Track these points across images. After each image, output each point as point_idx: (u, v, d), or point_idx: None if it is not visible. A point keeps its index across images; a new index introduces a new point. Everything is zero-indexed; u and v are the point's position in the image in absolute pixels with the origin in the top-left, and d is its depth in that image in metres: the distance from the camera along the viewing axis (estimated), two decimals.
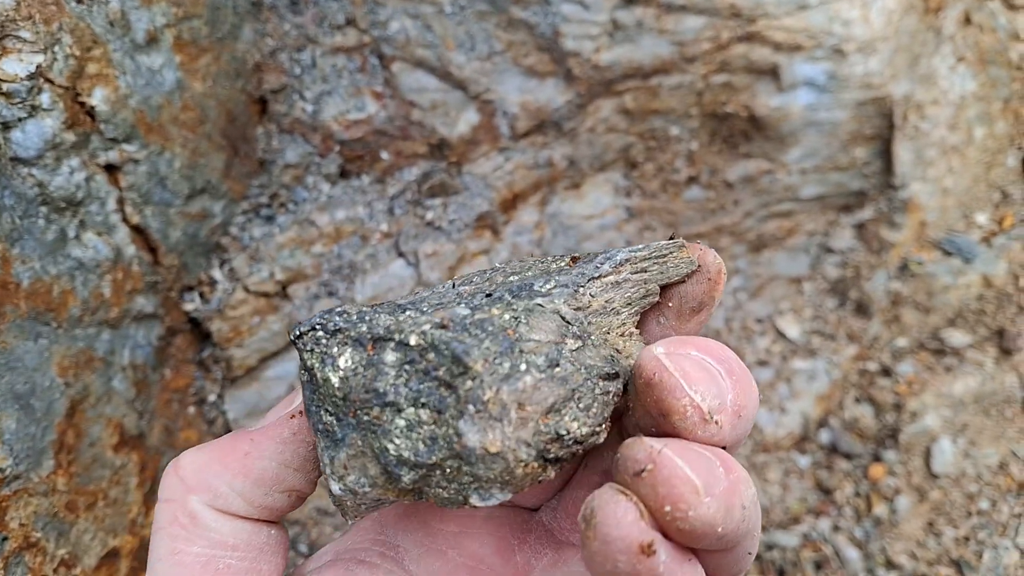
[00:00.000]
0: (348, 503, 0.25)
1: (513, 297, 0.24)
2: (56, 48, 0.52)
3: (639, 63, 0.82)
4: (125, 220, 0.63)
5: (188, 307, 0.67)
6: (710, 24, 0.84)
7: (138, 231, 0.64)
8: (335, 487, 0.24)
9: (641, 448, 0.22)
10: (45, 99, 0.52)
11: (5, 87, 0.49)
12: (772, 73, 0.89)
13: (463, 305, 0.24)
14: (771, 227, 0.97)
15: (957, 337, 1.01)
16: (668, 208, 0.91)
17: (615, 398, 0.24)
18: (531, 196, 0.82)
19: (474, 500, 0.22)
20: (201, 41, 0.66)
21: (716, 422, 0.24)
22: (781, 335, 0.96)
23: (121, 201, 0.62)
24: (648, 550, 0.21)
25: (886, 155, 0.99)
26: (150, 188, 0.64)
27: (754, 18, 0.85)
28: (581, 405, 0.23)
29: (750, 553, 0.26)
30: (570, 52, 0.78)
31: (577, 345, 0.24)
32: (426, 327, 0.23)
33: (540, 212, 0.84)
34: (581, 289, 0.26)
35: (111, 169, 0.61)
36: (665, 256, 0.28)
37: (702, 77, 0.86)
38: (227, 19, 0.69)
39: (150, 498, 0.66)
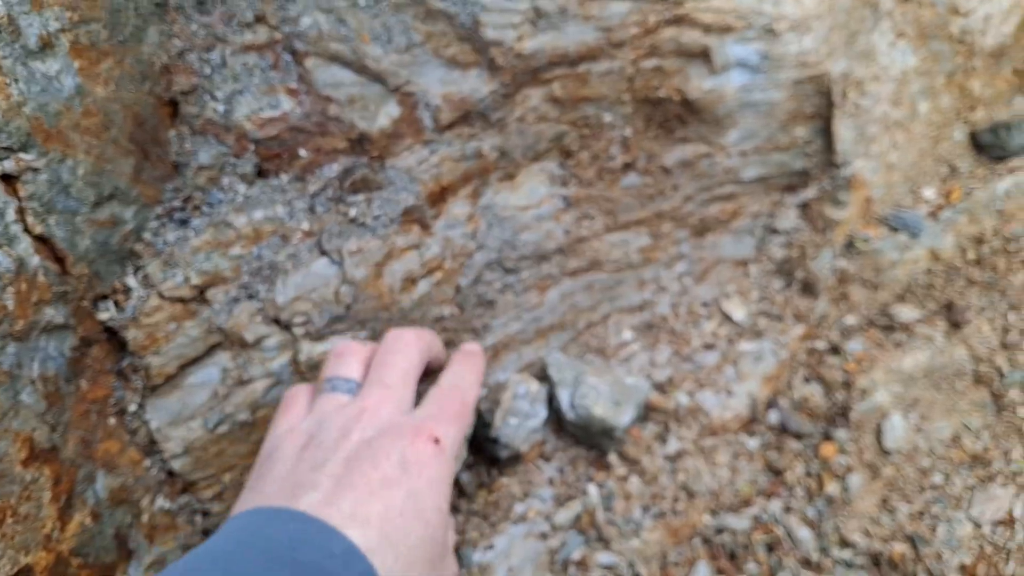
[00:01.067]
0: None
1: None
2: None
3: (565, 50, 0.81)
4: (27, 230, 0.61)
5: (103, 316, 0.65)
6: (636, 8, 0.83)
7: (42, 241, 0.63)
8: None
9: None
10: None
11: None
12: (703, 56, 0.88)
13: None
14: (714, 211, 0.96)
15: (906, 312, 1.00)
16: (605, 196, 0.91)
17: None
18: (461, 188, 0.81)
19: None
20: (101, 45, 0.65)
21: None
22: (727, 318, 0.95)
23: (21, 211, 0.60)
24: None
25: (827, 133, 0.99)
26: (52, 197, 0.62)
27: (681, 1, 0.84)
28: None
29: None
30: (492, 41, 0.77)
31: None
32: None
33: (472, 204, 0.83)
34: None
35: (8, 179, 0.60)
36: None
37: (632, 62, 0.85)
38: (129, 22, 0.67)
39: (65, 512, 0.64)
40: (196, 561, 0.42)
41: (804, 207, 0.98)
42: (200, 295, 0.69)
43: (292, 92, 0.71)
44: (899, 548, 0.91)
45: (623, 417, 0.83)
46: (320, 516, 0.45)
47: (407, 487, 0.49)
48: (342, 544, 0.42)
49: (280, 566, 0.38)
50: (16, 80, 0.57)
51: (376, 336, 0.78)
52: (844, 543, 0.89)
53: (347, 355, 0.64)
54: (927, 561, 0.92)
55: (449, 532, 0.60)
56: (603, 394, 0.83)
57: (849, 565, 0.88)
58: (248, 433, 0.74)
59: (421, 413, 0.59)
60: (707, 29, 0.87)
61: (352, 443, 0.52)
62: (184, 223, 0.69)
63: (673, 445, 0.86)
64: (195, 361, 0.70)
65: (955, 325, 1.01)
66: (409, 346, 0.62)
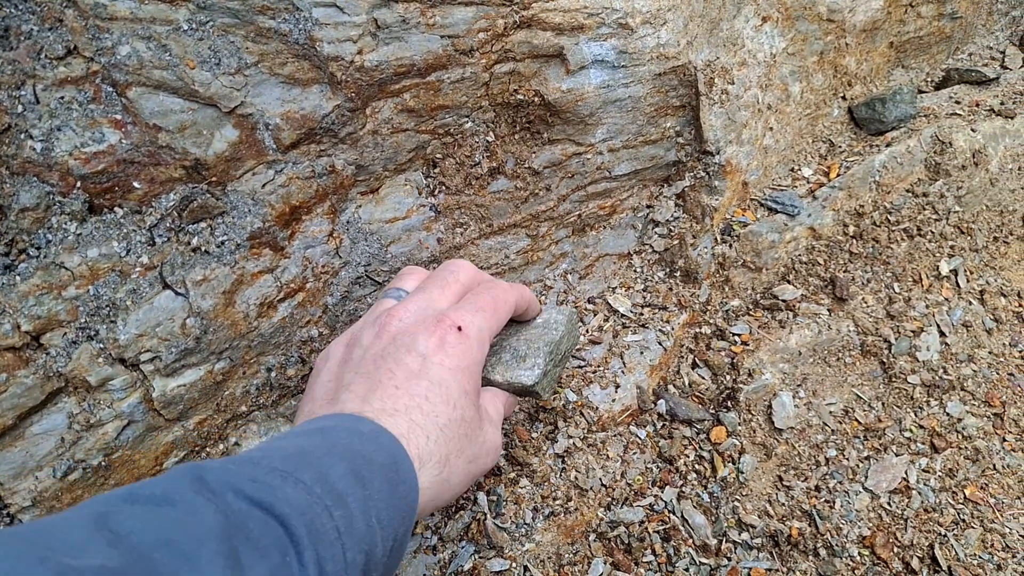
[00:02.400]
0: None
1: None
2: None
3: (411, 61, 0.80)
4: None
5: None
6: (481, 13, 0.83)
7: None
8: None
9: None
10: None
11: None
12: (559, 56, 0.89)
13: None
14: (591, 208, 0.97)
15: (789, 292, 1.02)
16: (476, 202, 0.90)
17: None
18: (316, 207, 0.80)
19: None
20: None
21: None
22: (614, 311, 0.95)
23: None
24: None
25: (696, 122, 1.00)
26: None
27: (527, 3, 0.85)
28: None
29: None
30: (330, 56, 0.76)
31: None
32: None
33: (332, 221, 0.82)
34: None
35: None
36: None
37: (485, 68, 0.85)
38: None
39: None
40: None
41: (681, 196, 0.99)
42: (34, 341, 0.67)
43: (117, 124, 0.69)
44: (798, 525, 0.92)
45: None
46: (356, 413, 0.51)
47: (430, 377, 0.54)
48: (370, 426, 0.48)
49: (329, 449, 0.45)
50: None
51: (236, 364, 0.76)
52: (742, 525, 0.89)
53: (407, 274, 0.72)
54: (827, 536, 0.93)
55: (485, 408, 0.63)
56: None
57: (748, 547, 0.89)
58: (105, 477, 0.72)
59: (448, 308, 0.63)
60: (558, 30, 0.87)
61: (383, 341, 0.58)
62: (9, 268, 0.66)
63: (562, 443, 0.86)
64: (35, 410, 0.67)
65: (840, 300, 1.03)
66: (459, 268, 0.68)
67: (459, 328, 0.58)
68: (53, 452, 0.68)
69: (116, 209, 0.71)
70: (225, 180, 0.74)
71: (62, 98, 0.68)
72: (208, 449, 0.77)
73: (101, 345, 0.69)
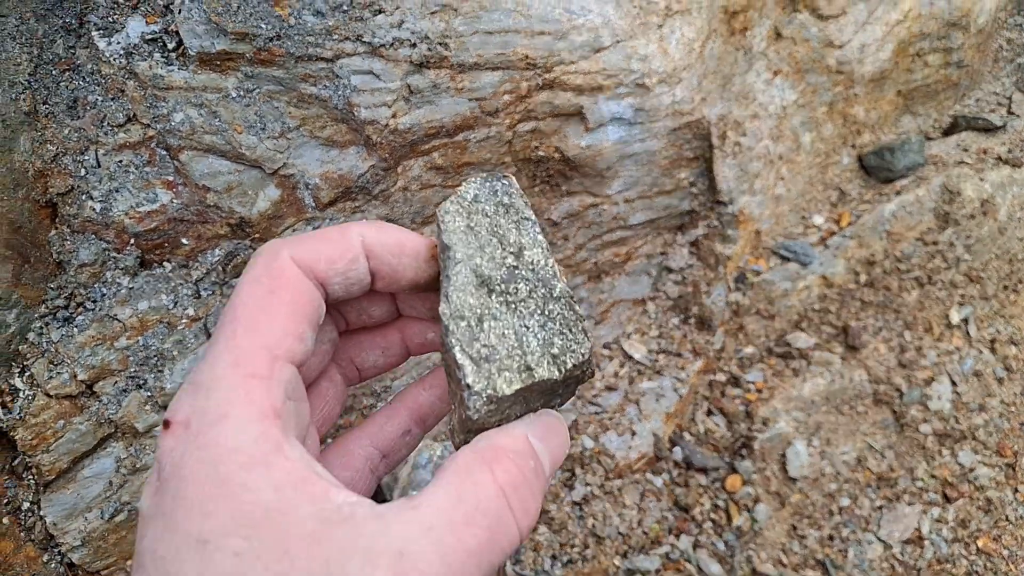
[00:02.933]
0: None
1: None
2: None
3: (440, 123, 0.85)
4: None
5: None
6: (507, 77, 0.88)
7: None
8: None
9: None
10: None
11: None
12: (578, 115, 0.93)
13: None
14: (607, 255, 1.01)
15: (803, 339, 1.05)
16: None
17: None
18: None
19: None
20: None
21: None
22: (629, 357, 0.98)
23: None
24: None
25: (710, 174, 1.04)
26: None
27: (549, 66, 0.90)
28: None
29: None
30: (367, 120, 0.81)
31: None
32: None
33: None
34: None
35: None
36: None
37: (508, 127, 0.90)
38: None
39: None
40: None
41: (695, 245, 1.03)
42: (88, 389, 0.71)
43: (169, 185, 0.74)
44: (811, 574, 0.94)
45: None
46: None
47: None
48: None
49: None
50: None
51: None
52: (756, 574, 0.91)
53: None
54: None
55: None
56: None
57: None
58: None
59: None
60: (579, 90, 0.92)
61: None
62: (68, 320, 0.71)
63: (580, 491, 0.88)
64: (87, 454, 0.72)
65: (852, 348, 1.06)
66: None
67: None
68: (101, 495, 0.72)
69: (165, 264, 0.76)
70: (267, 236, 0.78)
71: (120, 162, 0.73)
72: None
73: (149, 393, 0.73)
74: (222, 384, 0.29)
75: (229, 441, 0.28)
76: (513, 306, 0.36)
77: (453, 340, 0.34)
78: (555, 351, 0.36)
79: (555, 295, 0.36)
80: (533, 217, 0.39)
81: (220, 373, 0.30)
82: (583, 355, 0.36)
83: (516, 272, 0.37)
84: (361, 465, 0.39)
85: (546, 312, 0.37)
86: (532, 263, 0.37)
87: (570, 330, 0.37)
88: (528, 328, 0.36)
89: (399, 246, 0.36)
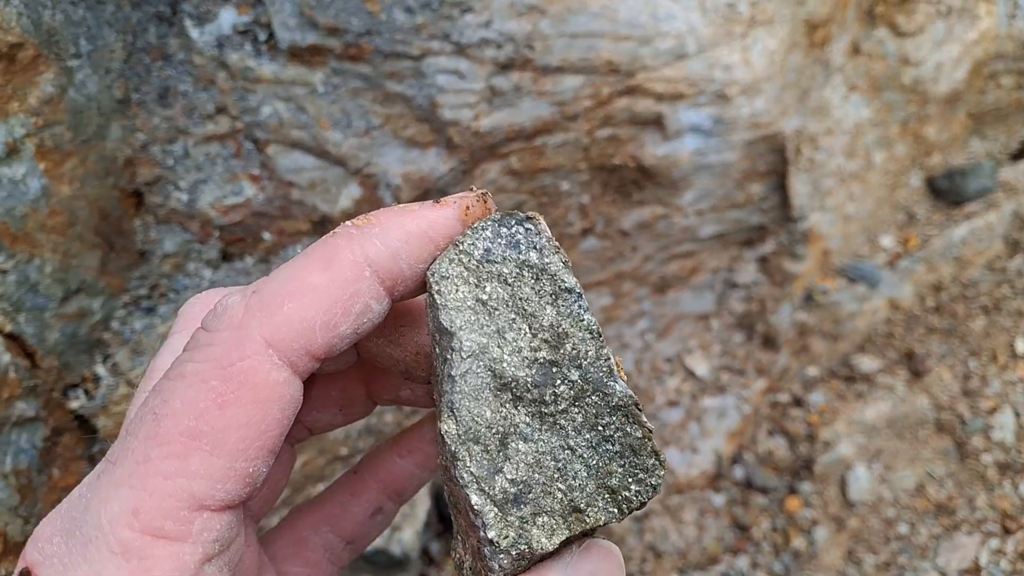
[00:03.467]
0: None
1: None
2: None
3: (521, 126, 0.84)
4: None
5: (73, 405, 0.67)
6: (589, 82, 0.86)
7: (12, 338, 0.65)
8: None
9: None
10: None
11: None
12: (657, 123, 0.91)
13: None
14: (673, 268, 0.99)
15: (867, 363, 1.03)
16: None
17: None
18: None
19: None
20: (65, 146, 0.67)
21: None
22: (691, 373, 0.97)
23: None
24: None
25: (782, 189, 1.02)
26: (21, 296, 0.64)
27: (632, 72, 0.88)
28: None
29: None
30: (449, 121, 0.80)
31: None
32: None
33: None
34: None
35: None
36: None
37: (586, 133, 0.89)
38: (92, 121, 0.70)
39: None
40: None
41: (762, 261, 1.01)
42: None
43: (255, 179, 0.74)
44: None
45: None
46: None
47: None
48: None
49: None
50: None
51: None
52: None
53: None
54: None
55: None
56: None
57: None
58: None
59: None
60: (659, 98, 0.90)
61: None
62: (151, 311, 0.71)
63: None
64: None
65: (916, 374, 1.04)
66: None
67: None
68: None
69: (246, 258, 0.75)
70: None
71: (208, 153, 0.72)
72: (308, 488, 0.80)
73: None
74: (103, 544, 0.19)
75: None
76: (551, 420, 0.26)
77: (465, 475, 0.25)
78: (614, 483, 0.26)
79: (613, 403, 0.26)
80: (577, 286, 0.26)
81: (107, 521, 0.20)
82: (653, 487, 0.26)
83: (554, 371, 0.26)
84: (319, 558, 0.30)
85: (599, 427, 0.26)
86: (577, 355, 0.26)
87: (635, 452, 0.26)
88: (574, 451, 0.26)
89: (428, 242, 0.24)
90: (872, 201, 1.14)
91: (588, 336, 0.26)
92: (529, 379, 0.25)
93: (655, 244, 0.98)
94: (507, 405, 0.25)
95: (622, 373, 0.26)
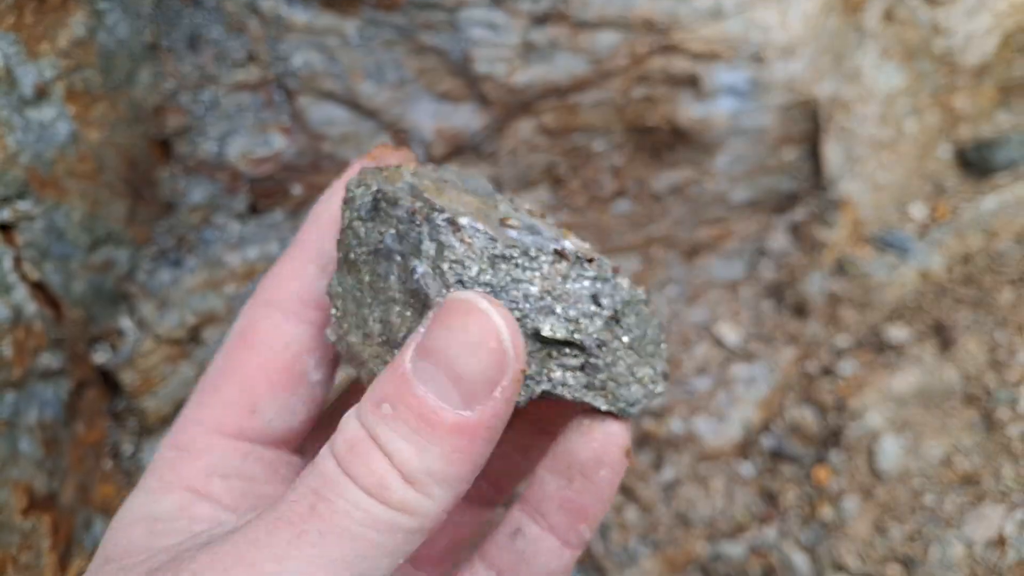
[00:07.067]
0: None
1: None
2: None
3: (555, 82, 0.82)
4: (24, 278, 0.61)
5: (98, 359, 0.65)
6: (625, 39, 0.84)
7: (38, 287, 0.63)
8: None
9: None
10: None
11: None
12: (692, 83, 0.89)
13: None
14: (703, 234, 0.97)
15: (896, 333, 1.02)
16: (597, 223, 0.91)
17: None
18: None
19: None
20: (95, 90, 0.65)
21: None
22: (719, 342, 0.96)
23: (18, 260, 0.60)
24: None
25: (815, 156, 1.00)
26: (48, 243, 0.63)
27: (669, 30, 0.85)
28: None
29: None
30: (483, 76, 0.78)
31: None
32: None
33: None
34: None
35: (5, 228, 0.60)
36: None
37: (621, 92, 0.86)
38: (122, 65, 0.67)
39: (65, 560, 0.64)
40: None
41: (794, 229, 1.00)
42: (194, 335, 0.69)
43: (285, 130, 0.71)
44: (893, 570, 0.92)
45: None
46: None
47: None
48: None
49: None
50: (12, 130, 0.57)
51: None
52: (838, 567, 0.90)
53: None
54: None
55: None
56: None
57: None
58: None
59: None
60: (696, 57, 0.88)
61: None
62: (178, 263, 0.69)
63: (668, 473, 0.87)
64: None
65: (945, 345, 1.03)
66: None
67: None
68: None
69: (275, 212, 0.73)
70: None
71: (238, 103, 0.70)
72: None
73: None
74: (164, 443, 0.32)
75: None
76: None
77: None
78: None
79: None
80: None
81: (163, 442, 0.32)
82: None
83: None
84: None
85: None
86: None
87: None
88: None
89: None
90: (902, 170, 1.12)
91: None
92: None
93: (686, 208, 0.96)
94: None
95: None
